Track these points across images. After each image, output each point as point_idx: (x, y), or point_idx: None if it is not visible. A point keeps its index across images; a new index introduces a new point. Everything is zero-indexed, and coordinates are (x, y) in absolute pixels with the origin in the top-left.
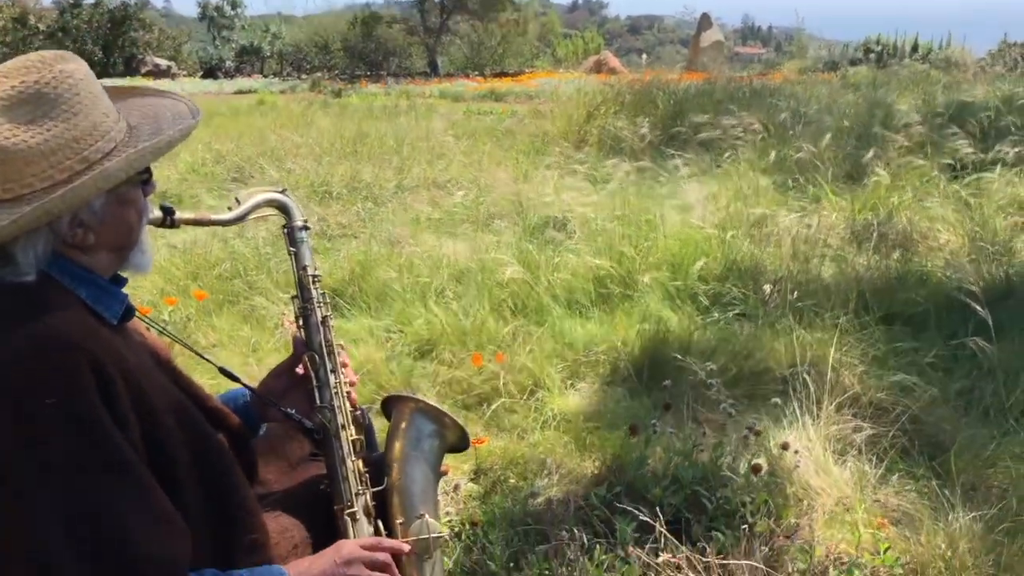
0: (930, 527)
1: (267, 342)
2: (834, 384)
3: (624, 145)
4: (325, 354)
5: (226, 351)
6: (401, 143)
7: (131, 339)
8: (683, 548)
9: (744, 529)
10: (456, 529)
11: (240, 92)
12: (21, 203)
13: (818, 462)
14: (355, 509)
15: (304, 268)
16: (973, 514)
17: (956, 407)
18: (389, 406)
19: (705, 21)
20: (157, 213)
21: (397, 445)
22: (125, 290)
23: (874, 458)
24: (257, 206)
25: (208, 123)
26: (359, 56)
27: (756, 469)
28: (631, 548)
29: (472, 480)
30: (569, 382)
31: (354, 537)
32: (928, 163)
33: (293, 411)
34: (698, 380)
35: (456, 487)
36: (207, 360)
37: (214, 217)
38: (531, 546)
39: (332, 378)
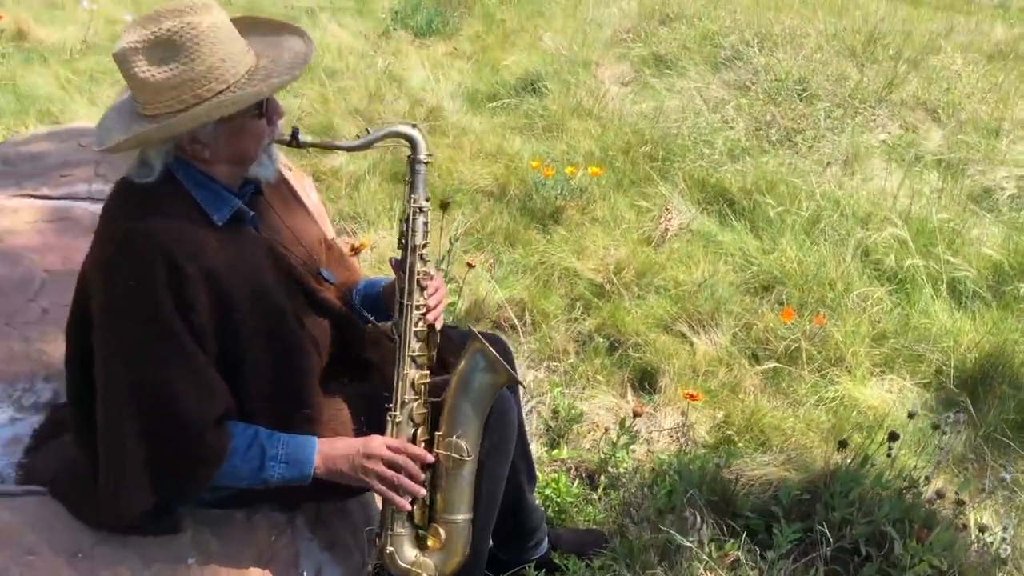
0: None
1: (636, 231)
2: None
3: None
4: (407, 277)
5: (600, 227)
6: (924, 50)
7: (240, 237)
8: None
9: None
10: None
11: None
12: (154, 121)
13: None
14: (397, 413)
15: (414, 200)
16: None
17: None
18: (469, 336)
19: None
20: (286, 135)
21: (461, 365)
22: None
23: None
24: (385, 136)
25: None
26: None
27: (920, 534)
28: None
29: (708, 431)
30: (878, 370)
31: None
32: None
33: (370, 315)
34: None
35: (688, 428)
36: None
37: (338, 143)
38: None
39: (406, 298)
